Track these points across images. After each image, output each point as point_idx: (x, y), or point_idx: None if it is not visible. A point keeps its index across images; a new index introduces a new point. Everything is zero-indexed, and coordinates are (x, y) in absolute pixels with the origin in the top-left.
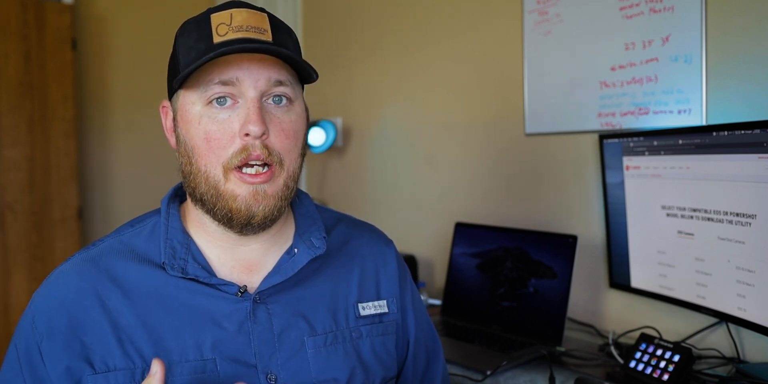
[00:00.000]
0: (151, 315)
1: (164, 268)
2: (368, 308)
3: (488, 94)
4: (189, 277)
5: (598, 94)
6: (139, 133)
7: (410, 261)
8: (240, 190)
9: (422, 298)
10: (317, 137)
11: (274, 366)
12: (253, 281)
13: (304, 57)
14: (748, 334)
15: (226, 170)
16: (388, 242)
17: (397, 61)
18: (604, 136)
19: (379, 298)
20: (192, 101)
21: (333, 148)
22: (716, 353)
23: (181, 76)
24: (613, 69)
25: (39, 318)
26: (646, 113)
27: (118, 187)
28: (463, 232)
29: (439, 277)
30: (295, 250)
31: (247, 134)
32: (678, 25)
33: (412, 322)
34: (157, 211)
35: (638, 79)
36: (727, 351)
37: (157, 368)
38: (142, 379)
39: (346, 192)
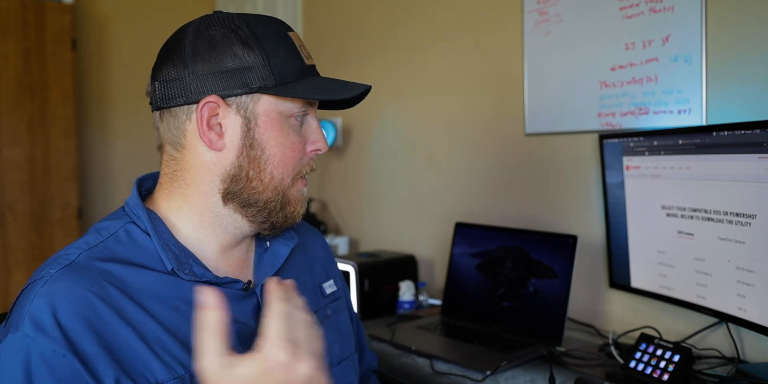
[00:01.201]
0: (170, 321)
1: (164, 273)
2: (328, 287)
3: (488, 94)
4: (202, 280)
5: (598, 94)
6: (140, 133)
7: (410, 261)
8: (298, 195)
9: (422, 298)
10: None
11: None
12: (246, 276)
13: None
14: (748, 334)
15: (294, 179)
16: (316, 229)
17: (397, 61)
18: (604, 136)
19: (328, 279)
20: (279, 111)
21: (333, 148)
22: (716, 353)
23: (306, 95)
24: (613, 69)
25: (61, 345)
26: (646, 113)
27: (118, 187)
28: (463, 232)
29: (439, 277)
30: (267, 243)
31: (314, 150)
32: (678, 25)
33: (349, 298)
34: (116, 217)
35: (638, 79)
36: (727, 351)
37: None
38: None
39: (346, 192)
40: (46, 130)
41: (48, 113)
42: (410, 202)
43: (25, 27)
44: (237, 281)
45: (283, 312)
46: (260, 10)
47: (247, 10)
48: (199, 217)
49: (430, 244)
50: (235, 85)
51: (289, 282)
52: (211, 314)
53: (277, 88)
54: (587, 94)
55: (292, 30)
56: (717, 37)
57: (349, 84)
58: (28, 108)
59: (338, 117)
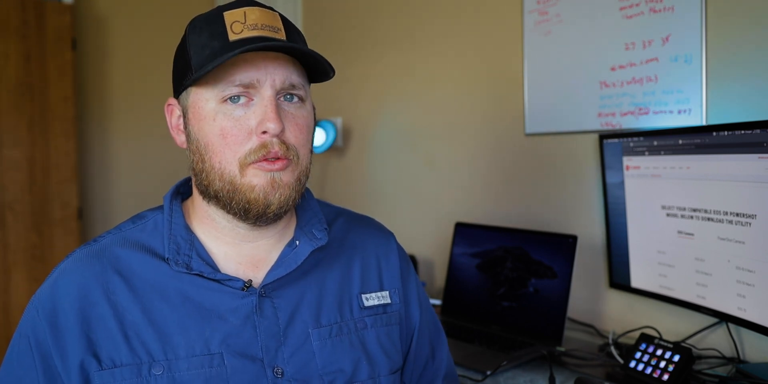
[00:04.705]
0: (156, 310)
1: (169, 264)
2: (372, 299)
3: (488, 94)
4: (194, 272)
5: (598, 94)
6: (140, 133)
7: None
8: (258, 179)
9: None
10: (317, 137)
11: (281, 359)
12: (258, 276)
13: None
14: (748, 334)
15: (243, 166)
16: (389, 234)
17: (397, 61)
18: (604, 136)
19: (381, 289)
20: (206, 98)
21: (333, 148)
22: (716, 353)
23: (199, 74)
24: (613, 69)
25: (45, 315)
26: (646, 113)
27: (118, 187)
28: (463, 231)
29: (439, 277)
30: (297, 242)
31: (264, 132)
32: (678, 25)
33: (416, 314)
34: (158, 208)
35: (638, 79)
36: (727, 351)
37: None
38: (149, 374)
39: (347, 192)
40: (46, 130)
41: (48, 113)
42: (410, 202)
43: (25, 27)
44: (235, 279)
45: None
46: None
47: None
48: (202, 213)
49: (430, 244)
50: (177, 85)
51: None
52: None
53: (192, 77)
54: (587, 94)
55: (247, 5)
56: (717, 37)
57: (256, 43)
58: (28, 108)
59: (338, 117)
